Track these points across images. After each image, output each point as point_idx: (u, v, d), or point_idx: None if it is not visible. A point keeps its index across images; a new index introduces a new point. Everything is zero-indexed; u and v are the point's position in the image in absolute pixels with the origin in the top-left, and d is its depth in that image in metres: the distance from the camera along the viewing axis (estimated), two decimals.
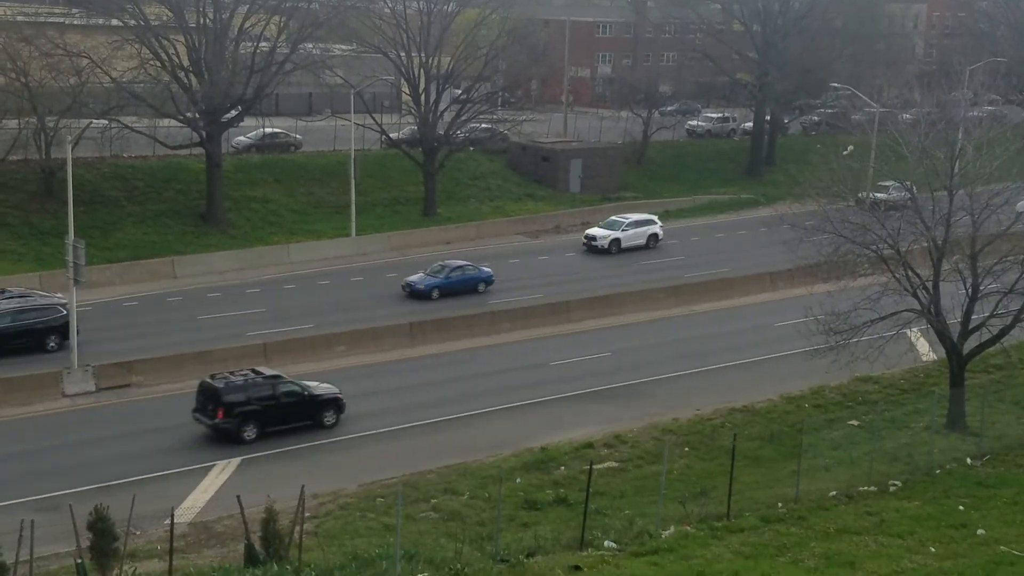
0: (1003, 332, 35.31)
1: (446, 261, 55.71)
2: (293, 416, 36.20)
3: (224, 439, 35.30)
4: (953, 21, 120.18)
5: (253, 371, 37.11)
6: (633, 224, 65.20)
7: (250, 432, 35.43)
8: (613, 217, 66.61)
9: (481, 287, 54.31)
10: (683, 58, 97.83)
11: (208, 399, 35.50)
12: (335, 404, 37.16)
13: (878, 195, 69.08)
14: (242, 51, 63.78)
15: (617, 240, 64.08)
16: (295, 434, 36.06)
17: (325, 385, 37.88)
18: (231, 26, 62.14)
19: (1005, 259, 35.15)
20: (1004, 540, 24.89)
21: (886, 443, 33.09)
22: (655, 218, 66.83)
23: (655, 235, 65.42)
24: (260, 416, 35.59)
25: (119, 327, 47.52)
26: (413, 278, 54.15)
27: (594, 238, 64.44)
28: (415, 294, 53.17)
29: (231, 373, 36.94)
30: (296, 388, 36.69)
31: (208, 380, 36.04)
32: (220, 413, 35.06)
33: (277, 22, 65.22)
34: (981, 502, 28.08)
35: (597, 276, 58.64)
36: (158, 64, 60.10)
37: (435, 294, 52.93)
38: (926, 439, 33.03)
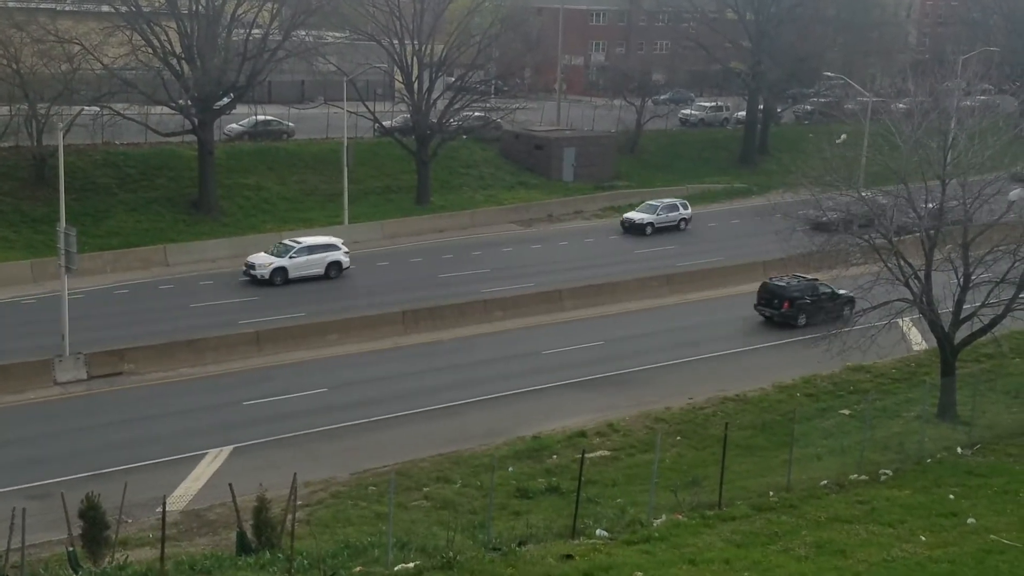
0: (994, 322, 35.40)
1: None
2: (824, 310, 46.33)
3: (783, 325, 46.80)
4: (946, 10, 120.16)
5: (797, 276, 47.57)
6: (307, 249, 53.15)
7: (801, 320, 46.37)
8: (285, 240, 54.95)
9: None
10: (676, 47, 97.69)
11: (773, 296, 47.45)
12: (851, 302, 44.81)
13: (633, 216, 67.38)
14: (234, 38, 63.51)
15: (282, 269, 52.17)
16: (823, 324, 42.34)
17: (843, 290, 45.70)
18: (223, 13, 61.87)
19: (996, 248, 35.21)
20: (994, 529, 25.00)
21: (877, 432, 33.20)
22: (339, 242, 54.73)
23: (337, 263, 53.58)
24: (807, 309, 46.85)
25: (111, 315, 47.43)
26: None
27: (253, 267, 52.47)
28: None
29: (783, 277, 48.01)
30: (827, 289, 46.70)
31: (770, 281, 48.25)
32: (786, 305, 46.97)
33: (270, 9, 64.90)
34: (971, 491, 28.18)
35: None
36: (150, 51, 59.84)
37: None
38: (917, 428, 33.14)
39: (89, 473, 31.00)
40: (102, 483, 27.62)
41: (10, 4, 64.08)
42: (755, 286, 54.80)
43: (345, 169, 62.73)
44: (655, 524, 24.87)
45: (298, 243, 53.94)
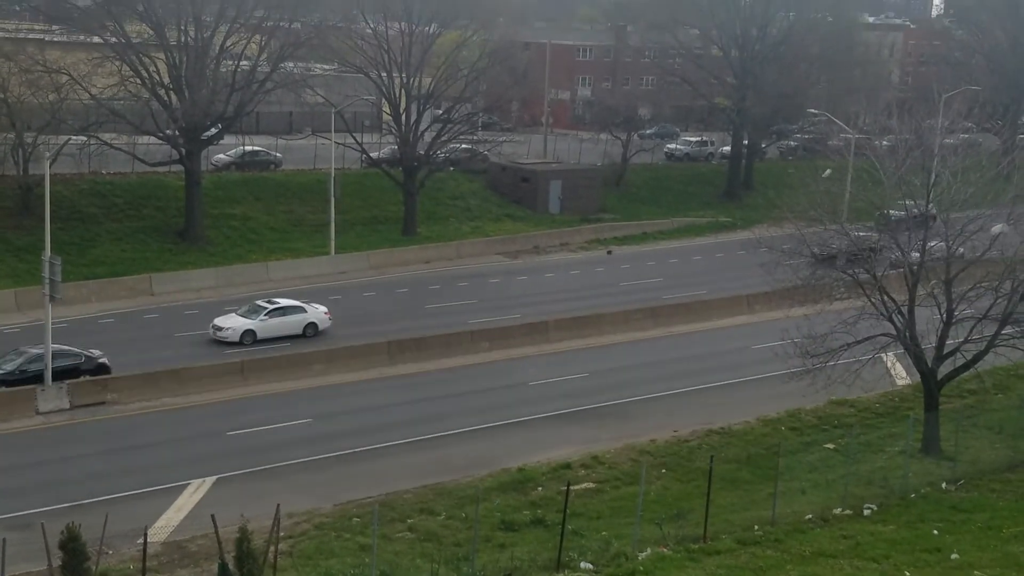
0: (977, 357, 35.56)
1: None
2: None
3: None
4: (928, 49, 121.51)
5: None
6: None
7: None
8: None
9: None
10: (662, 82, 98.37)
11: None
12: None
13: None
14: (223, 69, 63.75)
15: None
16: None
17: None
18: (212, 44, 62.13)
19: (979, 285, 35.44)
20: (978, 565, 25.03)
21: (861, 467, 33.23)
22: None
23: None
24: None
25: (95, 344, 47.16)
26: None
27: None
28: None
29: None
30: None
31: None
32: None
33: (258, 41, 65.25)
34: (955, 526, 28.22)
35: None
36: (138, 81, 59.99)
37: None
38: (901, 463, 33.18)
39: (70, 504, 30.77)
40: (83, 514, 27.37)
41: None
42: (740, 319, 55.14)
43: (332, 200, 62.84)
44: (640, 557, 24.82)
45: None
